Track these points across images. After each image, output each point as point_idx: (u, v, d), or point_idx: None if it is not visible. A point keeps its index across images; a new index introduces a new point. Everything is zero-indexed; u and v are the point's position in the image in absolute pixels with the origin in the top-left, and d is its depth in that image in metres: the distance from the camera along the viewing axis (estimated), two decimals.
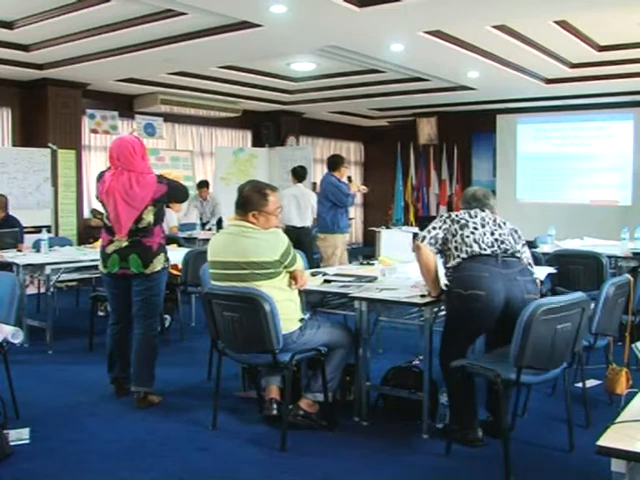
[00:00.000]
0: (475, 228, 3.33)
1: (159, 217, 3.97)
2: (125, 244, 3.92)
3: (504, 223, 3.45)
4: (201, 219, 9.28)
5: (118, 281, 4.02)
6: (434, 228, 3.40)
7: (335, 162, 6.99)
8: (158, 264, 3.94)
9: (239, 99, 10.32)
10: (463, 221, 3.36)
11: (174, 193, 4.02)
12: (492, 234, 3.33)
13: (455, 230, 3.33)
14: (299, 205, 7.63)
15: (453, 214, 3.44)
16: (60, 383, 4.47)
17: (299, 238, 6.98)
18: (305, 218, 7.67)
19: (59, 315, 6.49)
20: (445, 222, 3.40)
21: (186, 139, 10.86)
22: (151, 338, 4.02)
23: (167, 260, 4.04)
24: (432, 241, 3.37)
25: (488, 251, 3.24)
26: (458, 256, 3.27)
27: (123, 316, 4.10)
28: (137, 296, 3.97)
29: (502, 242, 3.30)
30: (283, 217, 6.88)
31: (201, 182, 9.62)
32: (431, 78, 8.86)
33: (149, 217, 3.89)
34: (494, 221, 3.41)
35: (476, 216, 3.40)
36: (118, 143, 3.94)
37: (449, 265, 3.33)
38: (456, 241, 3.31)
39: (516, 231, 3.47)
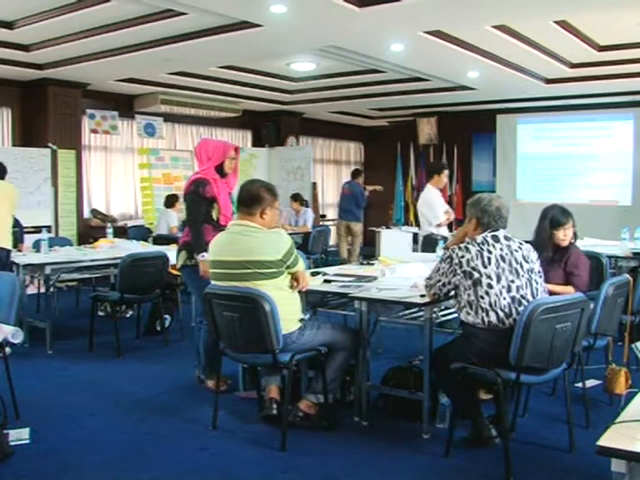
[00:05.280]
0: (489, 285, 3.05)
1: (188, 216, 4.24)
2: None
3: (525, 259, 3.16)
4: None
5: None
6: (442, 280, 3.20)
7: (357, 172, 9.79)
8: (180, 259, 4.29)
9: (239, 99, 10.32)
10: (476, 274, 3.07)
11: (186, 201, 4.28)
12: (509, 290, 3.06)
13: (468, 286, 3.10)
14: None
15: (463, 259, 3.11)
16: (60, 383, 4.47)
17: None
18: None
19: (59, 315, 6.49)
20: (455, 273, 3.14)
21: (186, 139, 10.86)
22: (206, 330, 4.17)
23: (190, 259, 4.19)
24: (439, 291, 3.25)
25: (507, 324, 3.02)
26: (474, 315, 3.08)
27: None
28: None
29: (519, 303, 3.05)
30: None
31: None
32: (431, 78, 8.86)
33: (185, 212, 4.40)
34: (510, 264, 3.11)
35: (490, 262, 3.08)
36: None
37: (463, 316, 3.16)
38: (469, 295, 3.10)
39: (532, 271, 3.17)
